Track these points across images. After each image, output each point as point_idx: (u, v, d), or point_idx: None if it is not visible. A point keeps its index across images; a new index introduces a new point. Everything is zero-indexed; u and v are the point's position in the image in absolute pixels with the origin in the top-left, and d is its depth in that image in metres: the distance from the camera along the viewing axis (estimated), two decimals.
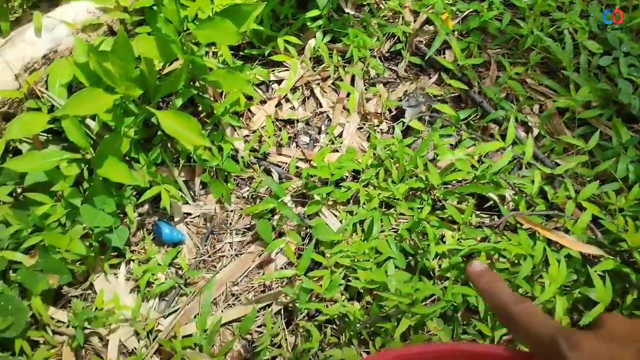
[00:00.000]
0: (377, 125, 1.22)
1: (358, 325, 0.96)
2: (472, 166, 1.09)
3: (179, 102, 1.09)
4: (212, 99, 1.17)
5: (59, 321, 1.04)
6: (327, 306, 1.00)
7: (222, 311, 1.07)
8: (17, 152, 1.08)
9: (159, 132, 1.17)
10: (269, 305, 1.06)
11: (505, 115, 1.17)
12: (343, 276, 1.02)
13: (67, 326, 1.04)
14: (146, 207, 1.16)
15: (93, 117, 1.07)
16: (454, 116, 1.16)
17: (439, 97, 1.24)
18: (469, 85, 1.21)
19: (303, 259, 1.01)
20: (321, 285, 0.99)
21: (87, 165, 1.07)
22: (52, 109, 1.07)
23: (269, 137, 1.19)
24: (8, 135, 0.95)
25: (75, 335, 1.01)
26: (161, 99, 1.18)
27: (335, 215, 1.11)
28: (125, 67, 0.90)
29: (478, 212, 1.10)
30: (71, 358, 1.01)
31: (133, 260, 1.10)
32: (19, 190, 1.07)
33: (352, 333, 0.98)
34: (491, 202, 1.09)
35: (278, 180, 1.17)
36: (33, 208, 1.01)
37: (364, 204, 1.09)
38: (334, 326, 1.01)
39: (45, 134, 1.10)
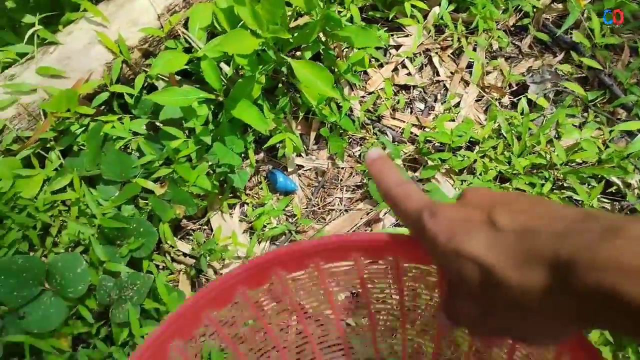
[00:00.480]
0: (498, 99, 1.21)
1: None
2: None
3: (308, 54, 1.12)
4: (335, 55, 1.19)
5: (178, 250, 1.10)
6: None
7: None
8: (151, 89, 1.14)
9: (280, 85, 1.20)
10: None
11: (637, 101, 1.12)
12: None
13: (185, 256, 1.10)
14: (262, 154, 1.20)
15: (227, 62, 1.11)
16: (584, 96, 1.13)
17: (565, 77, 1.21)
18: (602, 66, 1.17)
19: None
20: None
21: (213, 108, 1.12)
22: (187, 50, 1.12)
23: (387, 99, 1.20)
24: (154, 70, 1.00)
25: (192, 265, 1.08)
26: (289, 51, 1.20)
27: (449, 183, 1.11)
28: (274, 12, 0.93)
29: (599, 196, 1.07)
30: (187, 285, 1.08)
31: (247, 203, 1.15)
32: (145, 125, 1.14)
33: None
34: (614, 188, 1.06)
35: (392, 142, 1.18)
36: (166, 141, 1.06)
37: (480, 174, 1.09)
38: None
39: (177, 75, 1.15)
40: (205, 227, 1.14)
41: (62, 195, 1.02)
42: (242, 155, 1.12)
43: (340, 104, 1.17)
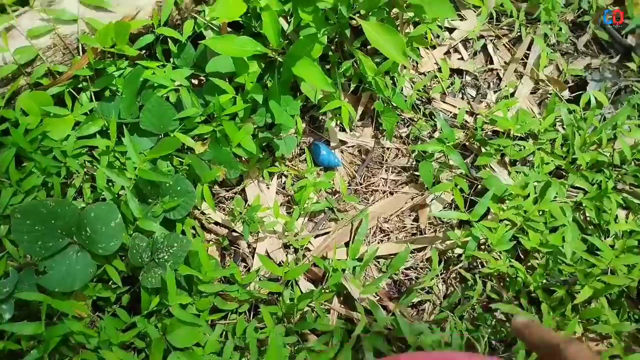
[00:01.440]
0: (557, 93, 1.16)
1: (533, 285, 0.91)
2: None
3: (373, 19, 1.04)
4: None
5: (209, 217, 1.01)
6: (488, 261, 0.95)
7: (369, 244, 1.03)
8: (195, 40, 1.04)
9: (331, 52, 1.12)
10: (423, 249, 1.02)
11: None
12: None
13: (217, 225, 1.01)
14: (303, 125, 1.12)
15: (285, 18, 1.03)
16: None
17: (626, 77, 1.18)
18: None
19: (479, 206, 0.96)
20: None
21: (264, 67, 1.03)
22: None
23: (443, 80, 1.14)
24: (212, 13, 0.91)
25: (225, 235, 0.99)
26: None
27: (505, 172, 1.06)
28: None
29: None
30: (216, 256, 0.98)
31: (286, 175, 1.07)
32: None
33: (517, 290, 0.93)
34: None
35: None
36: (210, 96, 0.97)
37: (537, 166, 1.04)
38: (493, 282, 0.96)
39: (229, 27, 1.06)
40: (239, 196, 1.05)
41: (92, 141, 0.91)
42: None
43: (395, 79, 1.10)
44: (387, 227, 1.05)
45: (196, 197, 0.91)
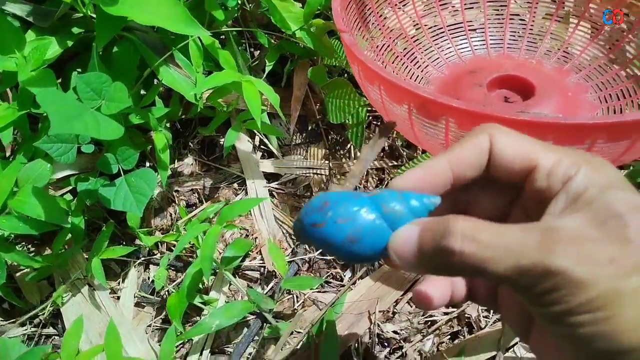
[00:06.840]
0: None
1: None
2: None
3: None
4: None
5: None
6: None
7: None
8: None
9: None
10: None
11: None
12: None
13: None
14: (189, 161, 0.56)
15: None
16: None
17: None
18: None
19: None
20: None
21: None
22: None
23: None
24: None
25: None
26: None
27: None
28: None
29: None
30: None
31: (155, 260, 0.48)
32: None
33: None
34: None
35: None
36: None
37: None
38: None
39: None
40: (48, 329, 0.46)
41: None
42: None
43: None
44: None
45: None
